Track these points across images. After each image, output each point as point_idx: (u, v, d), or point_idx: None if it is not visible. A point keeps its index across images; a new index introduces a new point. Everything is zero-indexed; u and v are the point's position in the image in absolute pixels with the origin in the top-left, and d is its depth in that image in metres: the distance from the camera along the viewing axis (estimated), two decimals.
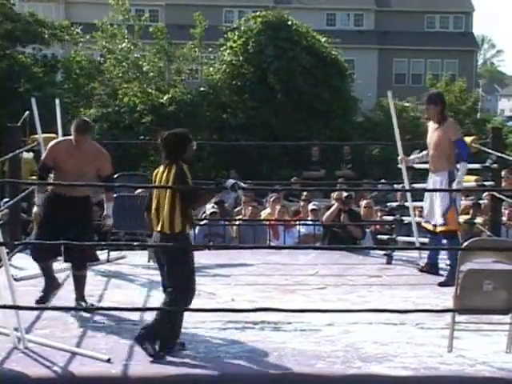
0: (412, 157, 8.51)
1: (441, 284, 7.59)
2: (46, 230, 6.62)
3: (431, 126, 8.11)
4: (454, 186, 7.78)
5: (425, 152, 8.26)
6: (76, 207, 6.58)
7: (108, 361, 5.30)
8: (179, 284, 5.46)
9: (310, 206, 11.01)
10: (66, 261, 6.71)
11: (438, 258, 8.22)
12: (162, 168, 5.67)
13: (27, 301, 6.27)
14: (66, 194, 6.60)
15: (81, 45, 25.63)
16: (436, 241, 8.08)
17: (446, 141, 7.85)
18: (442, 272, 8.07)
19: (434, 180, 8.03)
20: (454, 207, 7.94)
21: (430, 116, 8.11)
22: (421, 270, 8.23)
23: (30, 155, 10.92)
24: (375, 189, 13.43)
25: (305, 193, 12.07)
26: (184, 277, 5.47)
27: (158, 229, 5.54)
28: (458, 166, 7.84)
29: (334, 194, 10.00)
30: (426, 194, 8.23)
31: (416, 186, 9.20)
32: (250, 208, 10.99)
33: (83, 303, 6.52)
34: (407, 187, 8.84)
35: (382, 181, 14.67)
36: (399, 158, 8.65)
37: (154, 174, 5.73)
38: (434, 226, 8.01)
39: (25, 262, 8.27)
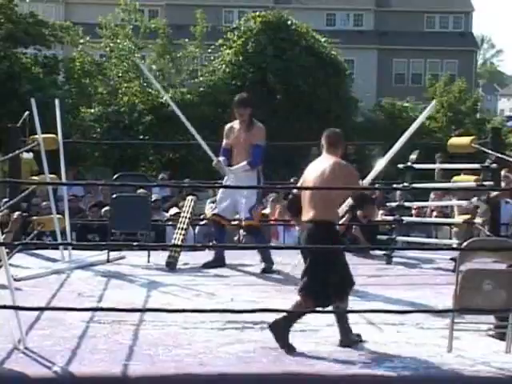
0: (221, 158, 8.35)
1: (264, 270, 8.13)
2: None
3: (236, 127, 8.30)
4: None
5: (221, 158, 8.32)
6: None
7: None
8: None
9: None
10: None
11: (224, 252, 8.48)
12: None
13: (27, 301, 6.27)
14: None
15: (80, 46, 25.64)
16: (221, 234, 8.49)
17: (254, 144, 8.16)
18: (442, 272, 8.10)
19: (241, 178, 8.13)
20: (258, 206, 8.43)
21: (243, 119, 8.24)
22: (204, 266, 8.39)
23: (30, 155, 10.93)
24: (375, 188, 13.40)
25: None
26: None
27: None
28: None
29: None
30: (229, 191, 8.37)
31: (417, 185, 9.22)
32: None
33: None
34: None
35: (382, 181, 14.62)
36: (214, 162, 8.42)
37: None
38: (236, 220, 8.40)
39: (25, 262, 8.29)
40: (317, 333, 6.03)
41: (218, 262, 8.43)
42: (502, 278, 5.48)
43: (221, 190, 8.60)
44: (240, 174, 8.18)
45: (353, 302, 6.51)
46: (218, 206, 8.45)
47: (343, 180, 5.88)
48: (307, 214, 5.85)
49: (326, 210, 5.80)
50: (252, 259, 8.61)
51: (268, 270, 8.17)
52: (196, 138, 8.57)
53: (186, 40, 26.66)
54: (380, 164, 7.46)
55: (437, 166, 11.09)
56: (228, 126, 8.46)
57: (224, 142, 8.41)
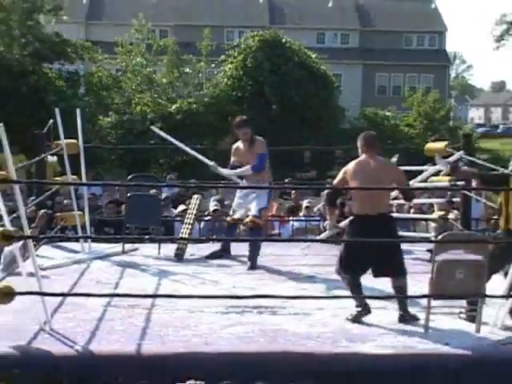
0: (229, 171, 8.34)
1: (249, 268, 7.86)
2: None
3: (241, 146, 8.20)
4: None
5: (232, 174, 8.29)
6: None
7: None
8: None
9: (305, 203, 11.07)
10: (376, 275, 6.03)
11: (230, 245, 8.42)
12: None
13: (52, 287, 6.26)
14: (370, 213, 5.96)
15: (99, 63, 25.64)
16: (232, 229, 8.40)
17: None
18: (420, 262, 8.10)
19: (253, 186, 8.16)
20: (267, 209, 8.32)
21: (246, 138, 8.11)
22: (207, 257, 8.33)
23: (55, 159, 10.88)
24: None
25: (293, 191, 12.30)
26: None
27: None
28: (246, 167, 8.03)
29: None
30: (243, 199, 8.22)
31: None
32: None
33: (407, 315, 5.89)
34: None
35: None
36: (210, 166, 8.44)
37: None
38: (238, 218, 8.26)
39: (50, 253, 8.29)
40: (309, 316, 6.03)
41: (223, 252, 8.41)
42: (473, 268, 5.49)
43: (236, 198, 8.37)
44: (253, 182, 8.06)
45: (338, 290, 6.54)
46: (238, 212, 8.28)
47: (396, 179, 6.14)
48: (373, 208, 5.94)
49: (388, 205, 6.30)
50: None
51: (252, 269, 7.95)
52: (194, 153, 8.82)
53: (191, 56, 26.64)
54: (439, 166, 7.92)
55: (415, 168, 11.07)
56: (234, 146, 8.35)
57: (232, 159, 8.34)
